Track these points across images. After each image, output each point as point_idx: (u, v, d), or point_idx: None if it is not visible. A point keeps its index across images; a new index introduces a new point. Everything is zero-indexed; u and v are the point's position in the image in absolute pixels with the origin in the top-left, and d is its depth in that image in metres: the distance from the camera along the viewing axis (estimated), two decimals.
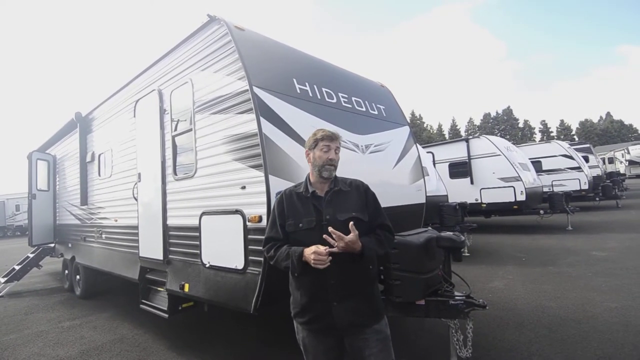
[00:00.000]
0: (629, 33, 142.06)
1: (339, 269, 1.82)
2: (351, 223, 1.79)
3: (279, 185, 2.79)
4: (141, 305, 4.26)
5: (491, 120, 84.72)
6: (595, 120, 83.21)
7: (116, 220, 5.32)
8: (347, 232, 1.85)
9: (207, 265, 3.35)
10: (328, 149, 1.98)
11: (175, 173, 3.96)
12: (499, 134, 72.81)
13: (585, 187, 14.19)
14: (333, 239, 1.78)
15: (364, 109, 4.34)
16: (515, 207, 10.80)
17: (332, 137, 2.01)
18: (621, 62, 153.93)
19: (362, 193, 2.03)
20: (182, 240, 3.78)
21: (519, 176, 10.76)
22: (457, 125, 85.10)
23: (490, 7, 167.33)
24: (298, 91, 3.51)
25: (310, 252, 1.78)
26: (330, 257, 1.77)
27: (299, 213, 1.96)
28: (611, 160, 36.40)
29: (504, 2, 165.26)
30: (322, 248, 1.78)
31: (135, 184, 4.63)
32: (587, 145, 19.75)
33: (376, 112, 4.56)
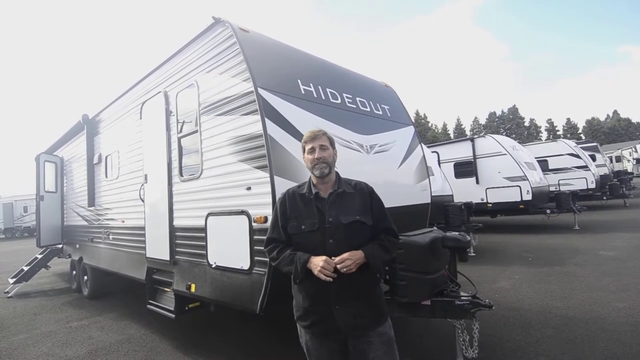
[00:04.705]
0: (633, 33, 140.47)
1: (341, 272, 1.81)
2: (339, 259, 1.80)
3: (284, 186, 2.79)
4: (148, 306, 4.30)
5: (496, 119, 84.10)
6: (602, 119, 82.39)
7: (123, 221, 5.37)
8: (350, 235, 1.87)
9: (213, 266, 3.37)
10: (312, 150, 1.99)
11: (181, 174, 3.99)
12: (504, 133, 72.26)
13: (592, 186, 14.05)
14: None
15: (368, 109, 4.35)
16: (521, 206, 10.72)
17: (313, 137, 2.01)
18: (626, 61, 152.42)
19: (366, 196, 2.00)
20: (188, 241, 3.81)
21: (525, 175, 10.69)
22: (462, 125, 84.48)
23: (490, 8, 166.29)
24: (302, 92, 3.53)
25: (320, 260, 1.79)
26: (335, 275, 1.79)
27: (302, 214, 1.95)
28: (618, 159, 35.99)
29: (504, 2, 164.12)
30: (332, 261, 1.79)
31: (142, 185, 4.66)
32: (594, 144, 19.55)
33: (381, 112, 4.56)
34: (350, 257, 1.79)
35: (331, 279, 1.77)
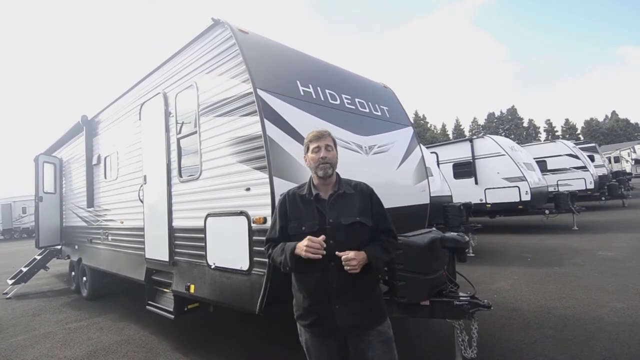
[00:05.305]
0: (631, 34, 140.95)
1: (342, 272, 1.82)
2: (343, 257, 1.80)
3: (283, 186, 2.80)
4: (147, 307, 4.30)
5: (495, 120, 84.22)
6: (601, 119, 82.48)
7: (122, 222, 5.37)
8: (350, 236, 1.88)
9: (212, 267, 3.37)
10: (318, 149, 1.99)
11: (180, 175, 3.99)
12: (503, 134, 72.43)
13: (591, 186, 14.08)
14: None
15: (367, 110, 4.36)
16: (520, 207, 10.74)
17: (319, 136, 2.02)
18: (624, 62, 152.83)
19: (366, 197, 2.01)
20: (187, 242, 3.81)
21: (524, 176, 10.71)
22: (461, 125, 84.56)
23: (489, 9, 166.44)
24: (302, 93, 3.54)
25: (304, 242, 1.79)
26: (323, 251, 1.77)
27: (302, 216, 1.95)
28: (617, 160, 36.08)
29: (503, 4, 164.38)
30: (316, 238, 1.78)
31: (141, 186, 4.67)
32: (593, 145, 19.59)
33: (379, 113, 4.57)
34: (355, 258, 1.80)
35: (321, 256, 1.76)
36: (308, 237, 1.80)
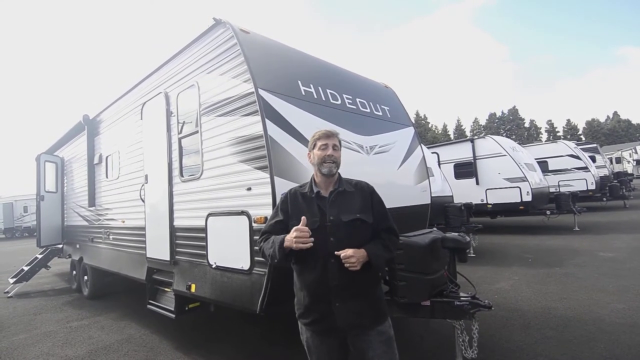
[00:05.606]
0: (632, 34, 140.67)
1: (342, 271, 1.83)
2: (342, 254, 1.81)
3: (284, 186, 2.80)
4: (148, 306, 4.31)
5: (497, 120, 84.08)
6: (602, 120, 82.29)
7: (123, 222, 5.37)
8: (351, 233, 1.89)
9: (213, 266, 3.38)
10: (325, 146, 2.00)
11: (181, 174, 4.00)
12: (504, 134, 72.30)
13: (592, 187, 14.06)
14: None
15: (368, 110, 4.36)
16: (521, 207, 10.73)
17: (328, 135, 2.03)
18: (625, 62, 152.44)
19: (367, 195, 2.02)
20: (188, 241, 3.82)
21: (525, 176, 10.69)
22: (462, 126, 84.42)
23: (489, 10, 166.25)
24: (303, 93, 3.54)
25: (292, 233, 1.80)
26: (312, 239, 1.79)
27: (303, 213, 1.95)
28: (618, 160, 36.01)
29: (503, 4, 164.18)
30: (302, 227, 1.79)
31: (142, 185, 4.67)
32: (594, 145, 19.59)
33: (380, 113, 4.57)
34: (354, 255, 1.81)
35: (311, 244, 1.78)
36: (295, 227, 1.81)
